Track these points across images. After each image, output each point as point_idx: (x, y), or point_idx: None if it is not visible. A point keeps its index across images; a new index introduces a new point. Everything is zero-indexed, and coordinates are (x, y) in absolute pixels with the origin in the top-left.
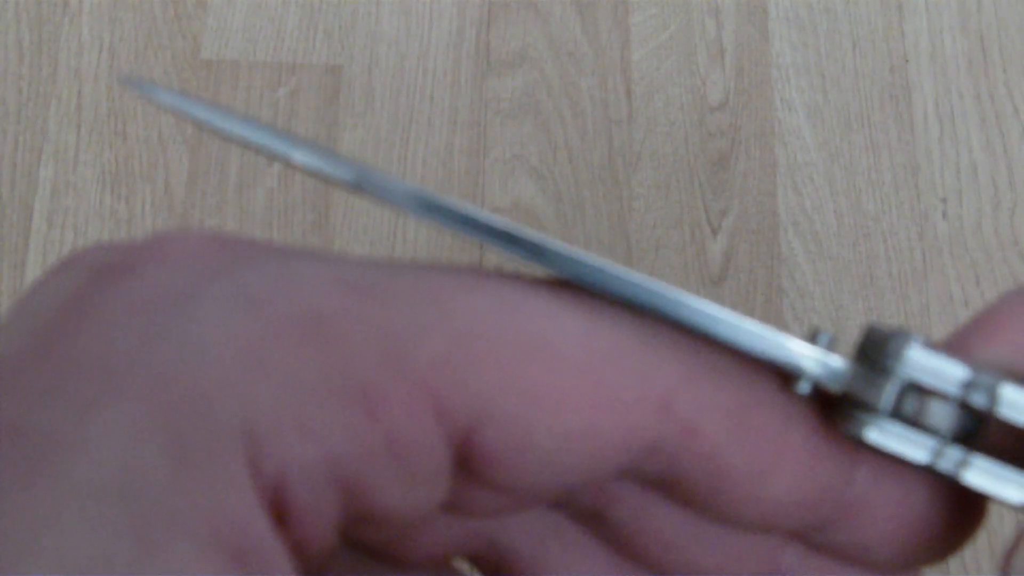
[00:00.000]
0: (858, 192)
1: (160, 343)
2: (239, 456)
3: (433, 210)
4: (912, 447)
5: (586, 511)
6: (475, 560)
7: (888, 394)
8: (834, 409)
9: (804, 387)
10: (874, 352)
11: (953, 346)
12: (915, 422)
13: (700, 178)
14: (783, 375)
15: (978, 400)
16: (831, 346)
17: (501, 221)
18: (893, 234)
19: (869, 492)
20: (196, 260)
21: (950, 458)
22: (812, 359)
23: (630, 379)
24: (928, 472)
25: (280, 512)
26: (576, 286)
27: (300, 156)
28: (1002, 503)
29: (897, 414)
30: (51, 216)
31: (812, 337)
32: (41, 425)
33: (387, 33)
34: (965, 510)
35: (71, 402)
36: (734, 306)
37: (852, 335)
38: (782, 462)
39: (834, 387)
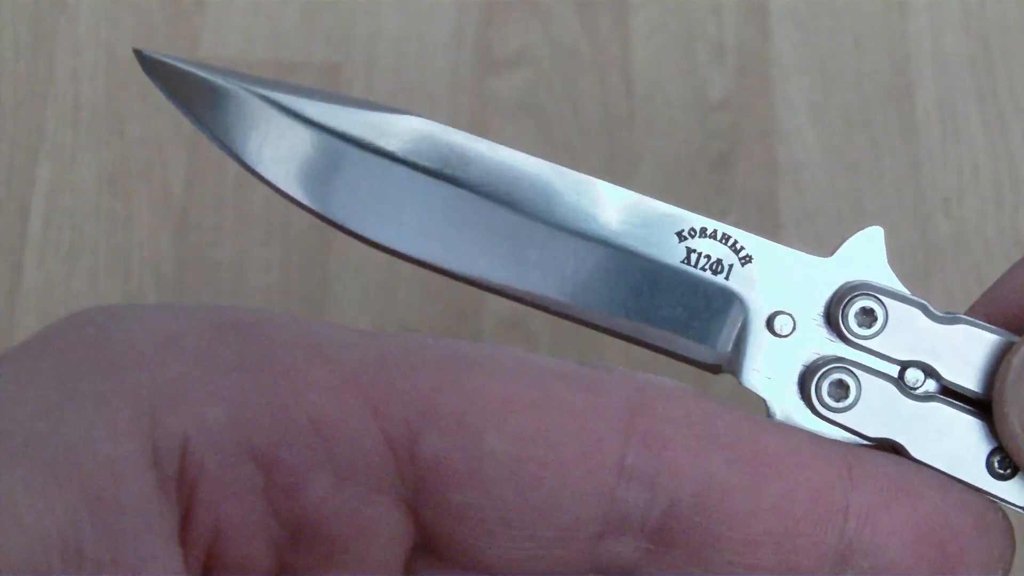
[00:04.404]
0: (860, 192)
1: (83, 327)
2: (132, 411)
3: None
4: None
5: None
6: None
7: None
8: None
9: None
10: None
11: None
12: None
13: (700, 178)
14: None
15: None
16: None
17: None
18: (895, 234)
19: (874, 501)
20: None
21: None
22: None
23: (580, 392)
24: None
25: (187, 475)
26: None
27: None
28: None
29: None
30: (48, 216)
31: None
32: None
33: (386, 32)
34: (983, 519)
35: None
36: None
37: None
38: (764, 466)
39: None
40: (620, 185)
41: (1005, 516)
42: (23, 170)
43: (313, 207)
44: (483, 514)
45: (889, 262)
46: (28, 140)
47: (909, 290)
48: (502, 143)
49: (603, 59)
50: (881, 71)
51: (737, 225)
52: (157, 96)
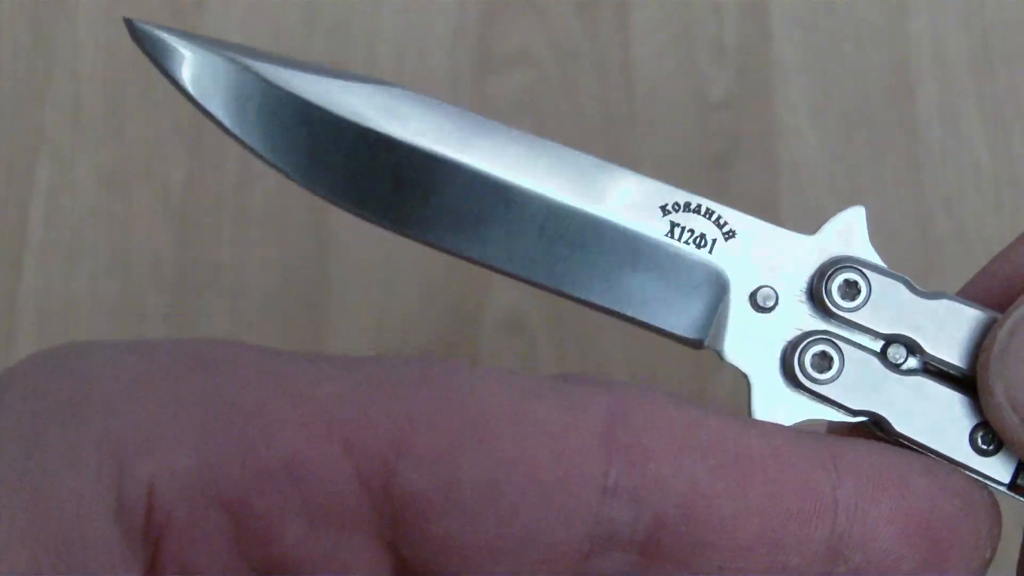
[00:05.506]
0: (860, 192)
1: (49, 369)
2: (98, 459)
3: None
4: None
5: None
6: None
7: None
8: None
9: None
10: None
11: None
12: None
13: (700, 177)
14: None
15: None
16: None
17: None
18: (895, 234)
19: (862, 494)
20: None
21: None
22: None
23: (557, 410)
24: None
25: (153, 524)
26: None
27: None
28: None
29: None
30: (48, 216)
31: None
32: None
33: (386, 31)
34: (969, 500)
35: None
36: None
37: None
38: (748, 469)
39: None
40: None
41: (990, 494)
42: (23, 170)
43: (309, 187)
44: (464, 544)
45: (890, 262)
46: (28, 140)
47: None
48: None
49: (603, 59)
50: (881, 71)
51: None
52: (157, 96)
